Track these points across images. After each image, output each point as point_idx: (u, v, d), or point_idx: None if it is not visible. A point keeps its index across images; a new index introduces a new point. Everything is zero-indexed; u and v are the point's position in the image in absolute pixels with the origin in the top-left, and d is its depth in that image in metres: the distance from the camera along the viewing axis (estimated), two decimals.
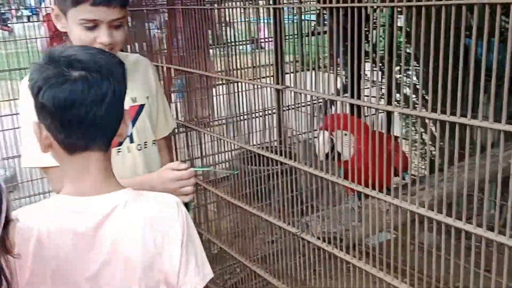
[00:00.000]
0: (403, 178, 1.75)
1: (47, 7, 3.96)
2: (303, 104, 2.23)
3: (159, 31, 2.77)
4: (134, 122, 1.74)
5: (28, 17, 4.89)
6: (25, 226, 1.04)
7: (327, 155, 1.72)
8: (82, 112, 1.04)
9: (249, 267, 2.21)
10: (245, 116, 2.18)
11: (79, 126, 1.06)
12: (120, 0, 1.57)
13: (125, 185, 1.22)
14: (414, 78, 3.03)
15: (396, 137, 1.82)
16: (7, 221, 0.88)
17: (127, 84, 1.15)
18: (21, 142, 1.67)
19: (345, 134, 1.69)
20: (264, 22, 2.32)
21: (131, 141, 1.73)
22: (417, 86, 2.84)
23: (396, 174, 1.72)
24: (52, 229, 1.07)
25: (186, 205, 1.74)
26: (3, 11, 5.38)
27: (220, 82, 2.32)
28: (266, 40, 3.38)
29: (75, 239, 1.07)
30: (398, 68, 2.22)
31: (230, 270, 2.59)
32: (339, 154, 1.72)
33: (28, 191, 3.57)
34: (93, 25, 1.55)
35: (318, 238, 1.70)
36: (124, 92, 1.13)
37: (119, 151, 1.70)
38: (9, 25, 5.32)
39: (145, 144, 1.76)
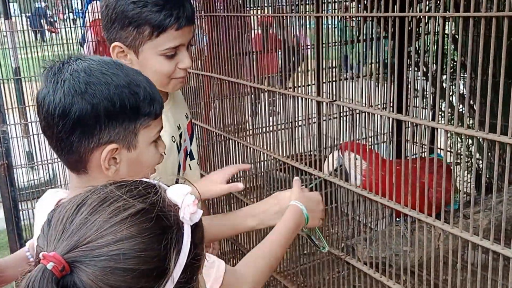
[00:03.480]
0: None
1: (95, 12, 4.01)
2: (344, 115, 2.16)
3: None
4: (191, 138, 1.69)
5: (74, 20, 4.98)
6: None
7: (332, 173, 1.68)
8: None
9: (281, 281, 2.15)
10: (283, 126, 2.12)
11: None
12: (194, 16, 1.47)
13: (245, 215, 1.22)
14: (461, 87, 2.90)
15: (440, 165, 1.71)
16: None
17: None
18: None
19: (356, 159, 1.63)
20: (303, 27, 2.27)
21: (192, 158, 1.68)
22: (465, 95, 2.71)
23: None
24: None
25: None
26: (50, 14, 5.51)
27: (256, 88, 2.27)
28: (307, 47, 3.30)
29: None
30: (444, 77, 2.13)
31: (266, 282, 2.53)
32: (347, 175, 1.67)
33: None
34: (174, 52, 1.42)
35: (365, 263, 1.59)
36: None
37: (184, 171, 1.65)
38: (53, 27, 5.45)
39: (198, 160, 1.72)
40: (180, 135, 1.61)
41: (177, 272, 0.76)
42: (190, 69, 2.28)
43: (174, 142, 1.55)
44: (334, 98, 1.65)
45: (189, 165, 1.66)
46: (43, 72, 1.04)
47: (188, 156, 1.67)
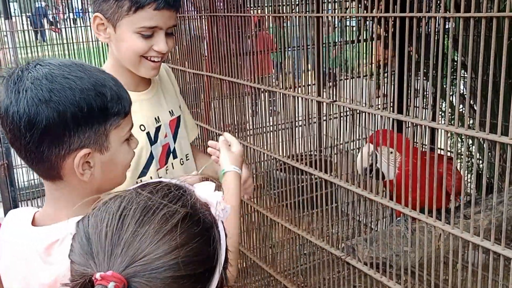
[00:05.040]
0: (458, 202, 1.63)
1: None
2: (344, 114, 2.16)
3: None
4: (175, 136, 1.66)
5: (74, 20, 4.98)
6: None
7: (366, 171, 1.64)
8: None
9: (281, 281, 2.15)
10: (283, 126, 2.12)
11: None
12: (179, 3, 1.49)
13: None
14: (461, 87, 2.90)
15: (449, 158, 1.70)
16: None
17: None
18: None
19: (391, 152, 1.59)
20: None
21: (175, 156, 1.65)
22: (465, 95, 2.71)
23: (448, 198, 1.58)
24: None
25: None
26: (50, 14, 5.51)
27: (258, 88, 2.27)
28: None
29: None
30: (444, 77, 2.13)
31: (266, 282, 2.53)
32: (380, 172, 1.63)
33: None
34: (151, 33, 1.45)
35: (365, 263, 1.59)
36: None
37: (167, 169, 1.63)
38: (54, 26, 5.45)
39: (187, 157, 1.70)
40: (158, 128, 1.60)
41: (221, 265, 0.77)
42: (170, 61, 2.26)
43: (143, 131, 1.55)
44: (334, 99, 1.65)
45: (172, 163, 1.66)
46: (1, 81, 0.99)
47: (171, 154, 1.66)
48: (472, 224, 1.19)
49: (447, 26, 2.12)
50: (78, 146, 0.98)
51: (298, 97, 1.89)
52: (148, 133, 1.56)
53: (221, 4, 2.21)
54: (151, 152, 1.57)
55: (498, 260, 1.14)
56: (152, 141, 1.58)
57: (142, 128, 1.55)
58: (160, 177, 1.58)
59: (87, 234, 0.74)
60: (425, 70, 1.37)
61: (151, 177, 1.57)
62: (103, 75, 1.03)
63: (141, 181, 1.54)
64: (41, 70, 0.97)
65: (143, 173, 1.55)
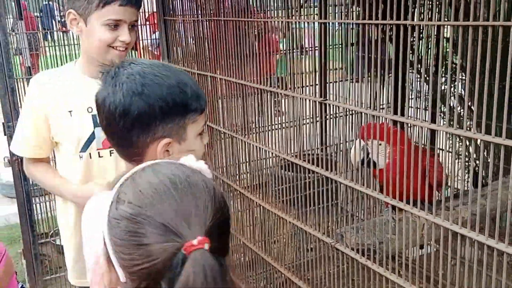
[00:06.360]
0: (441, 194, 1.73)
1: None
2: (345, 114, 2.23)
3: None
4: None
5: None
6: None
7: (362, 162, 1.76)
8: None
9: (284, 274, 2.23)
10: (286, 124, 2.20)
11: None
12: (139, 2, 1.75)
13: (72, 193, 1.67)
14: (460, 89, 2.97)
15: (434, 153, 1.79)
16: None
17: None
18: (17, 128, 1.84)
19: (380, 144, 1.69)
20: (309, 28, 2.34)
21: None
22: (463, 97, 2.78)
23: (431, 190, 1.67)
24: None
25: None
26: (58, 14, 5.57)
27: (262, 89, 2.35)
28: (311, 48, 3.37)
29: None
30: (443, 79, 2.21)
31: (266, 275, 2.62)
32: (374, 163, 1.73)
33: None
34: (116, 25, 1.69)
35: (353, 249, 1.72)
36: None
37: (111, 152, 1.78)
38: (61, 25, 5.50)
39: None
40: None
41: None
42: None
43: (89, 112, 1.75)
44: (324, 98, 1.75)
45: (110, 151, 1.79)
46: (100, 76, 1.17)
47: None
48: (451, 213, 1.31)
49: (443, 31, 2.19)
50: (161, 135, 1.15)
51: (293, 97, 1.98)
52: (94, 116, 1.75)
53: (228, 6, 2.28)
54: (93, 132, 1.77)
55: (473, 246, 1.26)
56: (97, 123, 1.68)
57: (89, 110, 1.76)
58: (101, 157, 1.77)
59: (152, 219, 0.82)
60: (422, 72, 1.45)
61: (90, 154, 1.76)
62: (185, 76, 1.21)
63: (81, 156, 1.77)
64: (135, 67, 1.15)
65: (83, 149, 1.77)
